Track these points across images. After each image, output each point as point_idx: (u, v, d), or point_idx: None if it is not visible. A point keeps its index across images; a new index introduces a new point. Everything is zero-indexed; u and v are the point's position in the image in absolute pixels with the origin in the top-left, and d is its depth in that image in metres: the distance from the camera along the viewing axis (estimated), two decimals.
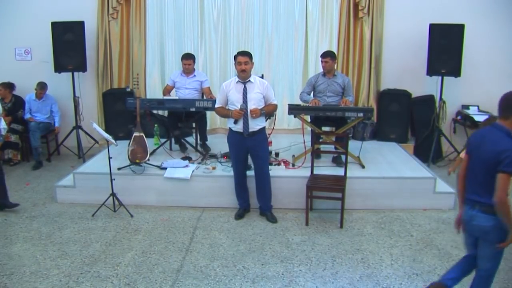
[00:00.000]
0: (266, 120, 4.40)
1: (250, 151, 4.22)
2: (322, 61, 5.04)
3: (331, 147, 5.07)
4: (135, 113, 4.89)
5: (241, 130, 4.10)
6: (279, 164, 4.89)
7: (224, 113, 4.21)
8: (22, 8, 6.20)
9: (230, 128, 4.23)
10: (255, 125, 4.10)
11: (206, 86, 5.47)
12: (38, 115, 6.06)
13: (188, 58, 5.38)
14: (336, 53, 5.94)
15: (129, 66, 6.35)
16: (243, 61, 4.02)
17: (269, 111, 4.27)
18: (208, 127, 5.92)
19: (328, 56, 5.01)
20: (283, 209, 4.49)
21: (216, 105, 4.28)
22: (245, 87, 4.08)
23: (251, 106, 4.05)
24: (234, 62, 4.14)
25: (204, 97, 5.45)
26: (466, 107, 6.17)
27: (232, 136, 4.23)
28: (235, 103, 4.08)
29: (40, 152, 5.95)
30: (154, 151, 5.30)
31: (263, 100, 4.14)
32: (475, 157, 2.59)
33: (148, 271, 3.40)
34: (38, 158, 5.94)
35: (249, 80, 4.09)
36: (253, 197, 4.44)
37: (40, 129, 5.96)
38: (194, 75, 5.46)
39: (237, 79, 4.12)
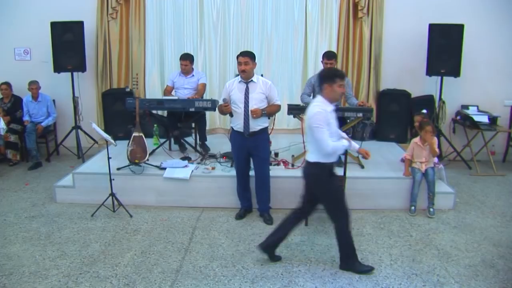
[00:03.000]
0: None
1: (250, 151, 4.20)
2: (326, 63, 4.94)
3: None
4: (134, 113, 4.89)
5: (242, 130, 4.09)
6: (278, 164, 4.88)
7: (220, 110, 4.29)
8: (21, 8, 6.20)
9: (232, 127, 4.24)
10: (256, 125, 4.08)
11: (201, 83, 5.45)
12: (37, 116, 6.07)
13: (185, 59, 5.36)
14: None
15: (128, 66, 6.35)
16: (243, 61, 4.01)
17: (271, 112, 4.18)
18: (207, 127, 5.92)
19: (333, 58, 4.94)
20: (282, 209, 4.48)
21: (219, 104, 4.30)
22: (247, 87, 4.07)
23: (252, 106, 4.03)
24: (237, 62, 4.13)
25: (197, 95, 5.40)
26: (466, 107, 6.16)
27: (234, 135, 4.23)
28: (237, 103, 4.08)
29: (34, 154, 5.92)
30: (153, 151, 5.30)
31: (266, 101, 4.11)
32: None
33: (147, 271, 3.39)
34: (33, 159, 5.93)
35: (252, 80, 4.08)
36: (253, 197, 4.43)
37: (36, 130, 5.95)
38: (193, 75, 5.46)
39: (239, 79, 4.12)
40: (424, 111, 5.14)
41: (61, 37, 5.81)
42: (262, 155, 4.22)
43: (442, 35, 5.69)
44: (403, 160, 4.92)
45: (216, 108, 5.15)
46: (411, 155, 4.59)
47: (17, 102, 6.13)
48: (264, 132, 4.18)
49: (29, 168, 5.86)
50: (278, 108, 4.24)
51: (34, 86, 5.96)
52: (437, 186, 4.52)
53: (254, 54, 4.13)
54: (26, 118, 6.03)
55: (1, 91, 6.03)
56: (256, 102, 4.05)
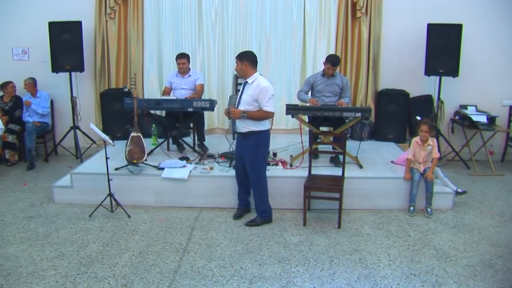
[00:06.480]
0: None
1: (240, 152, 4.19)
2: (330, 69, 4.95)
3: (329, 147, 5.06)
4: (132, 113, 4.88)
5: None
6: (277, 164, 4.88)
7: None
8: (19, 8, 6.19)
9: None
10: (242, 127, 4.01)
11: (199, 83, 5.45)
12: (36, 114, 6.05)
13: (182, 57, 5.35)
14: (334, 53, 5.95)
15: (126, 66, 6.34)
16: (235, 62, 4.02)
17: (253, 116, 3.89)
18: (205, 127, 5.91)
19: (337, 65, 4.97)
20: (280, 209, 4.48)
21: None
22: (243, 87, 4.08)
23: (240, 107, 3.99)
24: None
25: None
26: (464, 107, 6.17)
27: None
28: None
29: (34, 154, 5.91)
30: (151, 151, 5.29)
31: (255, 104, 3.91)
32: None
33: (145, 272, 3.39)
34: (31, 159, 5.91)
35: (247, 81, 4.05)
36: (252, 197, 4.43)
37: (37, 130, 5.95)
38: (190, 75, 5.45)
39: None
40: (418, 118, 5.19)
41: (59, 37, 5.79)
42: (247, 159, 4.09)
43: (441, 35, 5.69)
44: (393, 161, 4.96)
45: (214, 108, 5.16)
46: (413, 154, 4.57)
47: (17, 102, 6.12)
48: (251, 135, 3.98)
49: (28, 168, 5.85)
50: (263, 114, 3.90)
51: (26, 82, 5.98)
52: (435, 186, 4.52)
53: (244, 54, 3.99)
54: (28, 119, 6.01)
55: (8, 90, 6.03)
56: (243, 104, 3.97)
